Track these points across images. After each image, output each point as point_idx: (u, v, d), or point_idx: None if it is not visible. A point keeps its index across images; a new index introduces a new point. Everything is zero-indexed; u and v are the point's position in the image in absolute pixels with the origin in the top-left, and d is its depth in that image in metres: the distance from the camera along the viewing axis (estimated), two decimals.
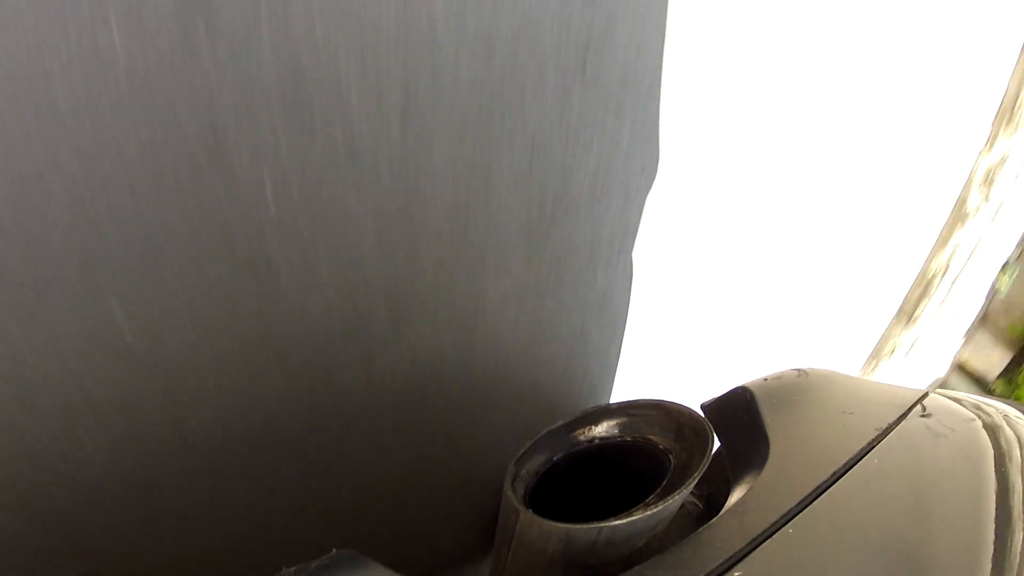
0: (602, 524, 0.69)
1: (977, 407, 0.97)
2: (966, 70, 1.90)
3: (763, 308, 1.81)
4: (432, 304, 0.97)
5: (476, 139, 0.86)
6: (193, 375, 0.79)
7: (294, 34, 0.66)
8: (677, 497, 0.72)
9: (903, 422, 0.88)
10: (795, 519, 0.68)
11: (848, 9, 1.33)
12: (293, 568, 0.57)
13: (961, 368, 3.21)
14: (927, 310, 2.87)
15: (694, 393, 1.38)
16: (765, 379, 0.98)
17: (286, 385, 0.88)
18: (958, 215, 2.56)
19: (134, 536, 0.85)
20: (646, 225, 1.21)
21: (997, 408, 0.98)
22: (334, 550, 0.60)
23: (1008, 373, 2.97)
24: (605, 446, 0.89)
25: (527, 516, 0.75)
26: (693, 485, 0.73)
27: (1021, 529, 0.71)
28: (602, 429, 0.91)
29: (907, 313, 2.86)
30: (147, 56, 0.59)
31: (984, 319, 3.11)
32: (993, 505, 0.73)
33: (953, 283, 2.80)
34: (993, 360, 3.07)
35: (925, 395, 0.98)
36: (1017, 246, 2.84)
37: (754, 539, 0.65)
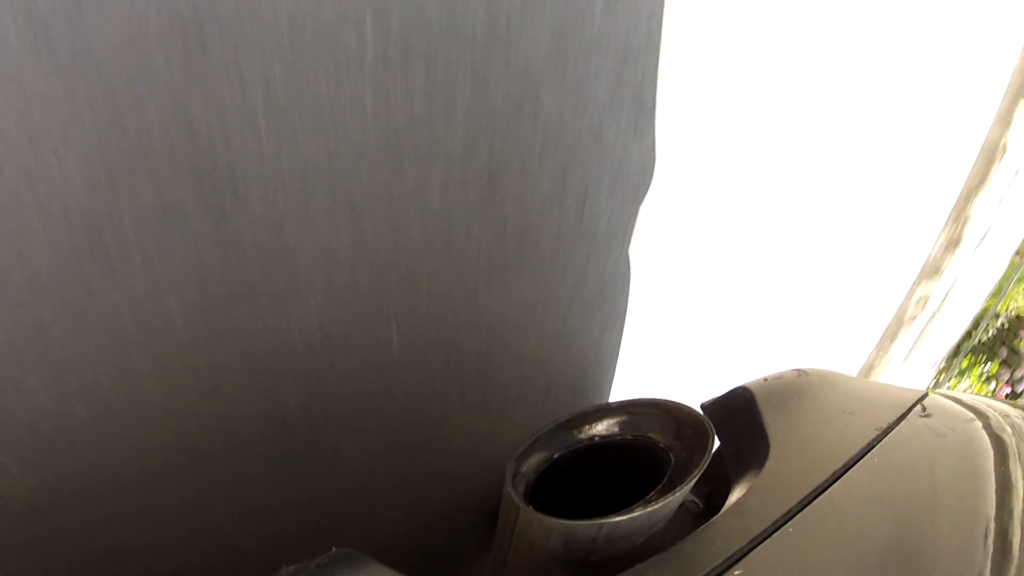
0: (603, 521, 0.69)
1: (977, 407, 0.98)
2: (967, 69, 1.90)
3: (763, 308, 1.82)
4: (432, 304, 0.97)
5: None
6: (193, 377, 0.79)
7: None
8: (678, 494, 0.72)
9: (903, 422, 0.88)
10: (795, 519, 0.68)
11: (847, 8, 1.33)
12: (293, 567, 0.57)
13: None
14: (927, 310, 2.87)
15: (694, 393, 1.38)
16: (765, 379, 0.99)
17: (284, 384, 0.88)
18: (959, 214, 2.56)
19: (132, 536, 0.85)
20: (646, 225, 1.21)
21: (997, 408, 0.98)
22: (334, 549, 0.59)
23: None
24: (605, 444, 0.89)
25: (527, 513, 0.75)
26: (693, 483, 0.73)
27: (1021, 529, 0.71)
28: (602, 427, 0.91)
29: (907, 312, 2.86)
30: None
31: None
32: (993, 505, 0.73)
33: (954, 281, 2.81)
34: None
35: (925, 395, 0.98)
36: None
37: (754, 539, 0.65)
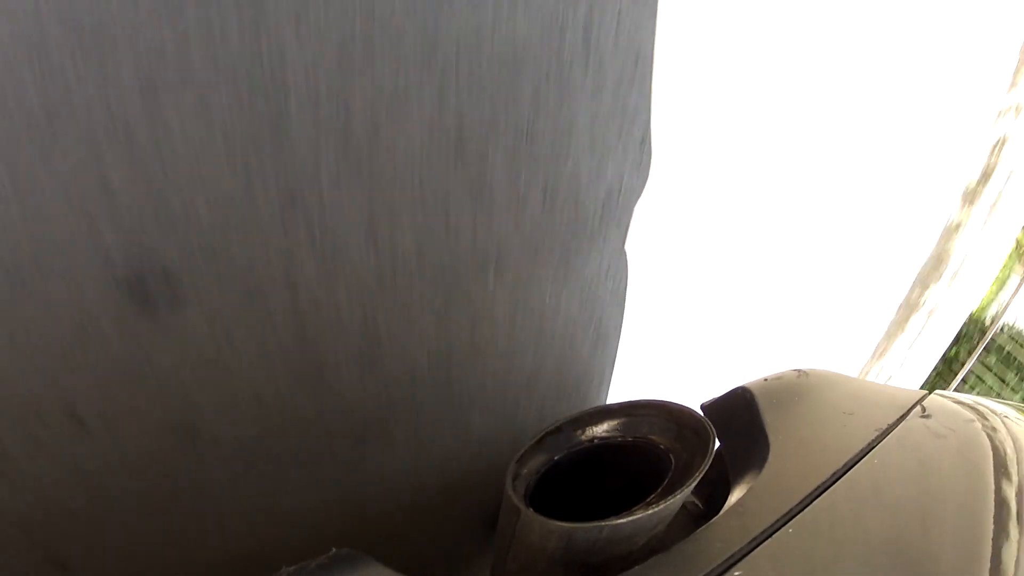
0: (603, 523, 0.69)
1: (977, 408, 0.98)
2: (968, 67, 1.90)
3: (763, 308, 1.82)
4: (431, 304, 0.97)
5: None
6: (197, 377, 0.79)
7: None
8: (678, 496, 0.72)
9: (903, 423, 0.88)
10: (795, 519, 0.68)
11: (846, 5, 1.33)
12: (293, 567, 0.57)
13: None
14: (928, 308, 2.87)
15: (694, 393, 1.38)
16: (765, 379, 0.99)
17: (284, 384, 0.88)
18: (961, 213, 2.56)
19: (132, 536, 0.85)
20: (647, 224, 1.21)
21: (997, 409, 0.98)
22: (334, 549, 0.59)
23: None
24: (606, 446, 0.89)
25: (528, 515, 0.75)
26: (694, 485, 0.73)
27: (1020, 530, 0.71)
28: (603, 429, 0.91)
29: (908, 312, 2.86)
30: None
31: None
32: (992, 506, 0.73)
33: (952, 279, 2.81)
34: None
35: (925, 396, 0.98)
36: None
37: (754, 539, 0.65)
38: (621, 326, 1.35)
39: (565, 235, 1.08)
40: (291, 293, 0.81)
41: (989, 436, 0.88)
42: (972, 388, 4.15)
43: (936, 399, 0.98)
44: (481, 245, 0.97)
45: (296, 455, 0.96)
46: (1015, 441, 0.88)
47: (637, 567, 0.62)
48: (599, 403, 1.38)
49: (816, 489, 0.73)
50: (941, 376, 3.92)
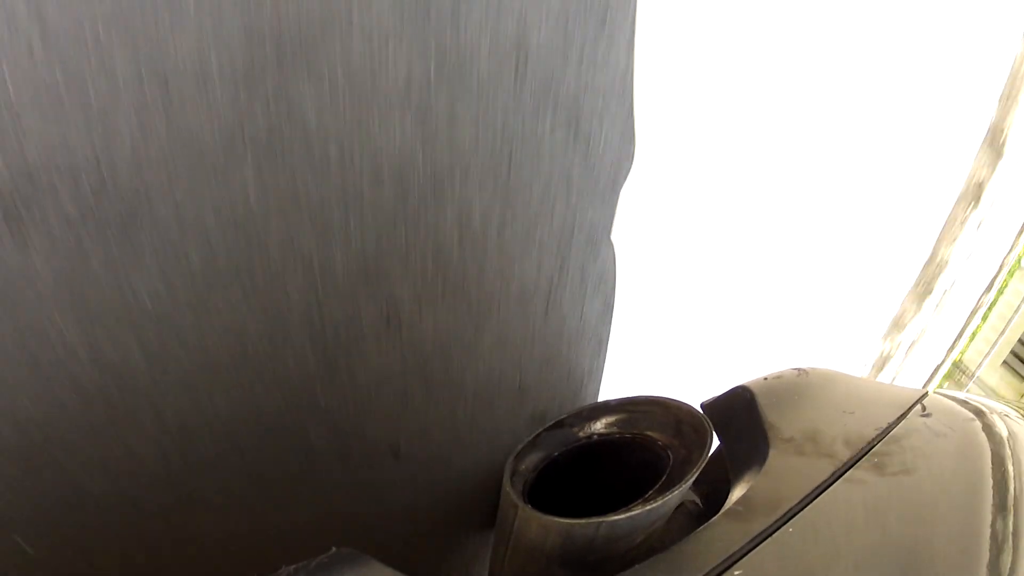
0: (601, 519, 0.69)
1: (977, 407, 0.98)
2: (970, 66, 1.90)
3: (763, 307, 1.81)
4: (431, 303, 0.97)
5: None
6: (190, 371, 0.79)
7: None
8: (676, 493, 0.72)
9: (903, 422, 0.88)
10: (795, 519, 0.68)
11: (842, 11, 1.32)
12: (293, 567, 0.56)
13: None
14: (930, 308, 2.87)
15: (694, 392, 1.38)
16: (765, 379, 0.98)
17: (284, 382, 0.88)
18: (963, 212, 2.56)
19: (131, 535, 0.85)
20: (647, 224, 1.21)
21: (997, 408, 0.98)
22: (334, 548, 0.59)
23: None
24: (604, 442, 0.89)
25: (526, 512, 0.75)
26: (692, 481, 0.73)
27: (1017, 529, 0.71)
28: (601, 425, 0.91)
29: (908, 312, 2.86)
30: None
31: None
32: (992, 505, 0.73)
33: (954, 282, 2.81)
34: None
35: (925, 395, 0.98)
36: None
37: (754, 539, 0.65)
38: (624, 324, 1.35)
39: (567, 233, 1.07)
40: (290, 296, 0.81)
41: (989, 435, 0.88)
42: None
43: (936, 398, 0.98)
44: (479, 244, 0.97)
45: (295, 450, 0.96)
46: (1014, 440, 0.88)
47: (637, 566, 0.62)
48: (599, 400, 1.38)
49: (816, 489, 0.73)
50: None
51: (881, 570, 0.66)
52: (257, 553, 1.00)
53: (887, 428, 0.85)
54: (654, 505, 0.71)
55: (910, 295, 2.79)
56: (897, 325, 2.90)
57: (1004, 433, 0.90)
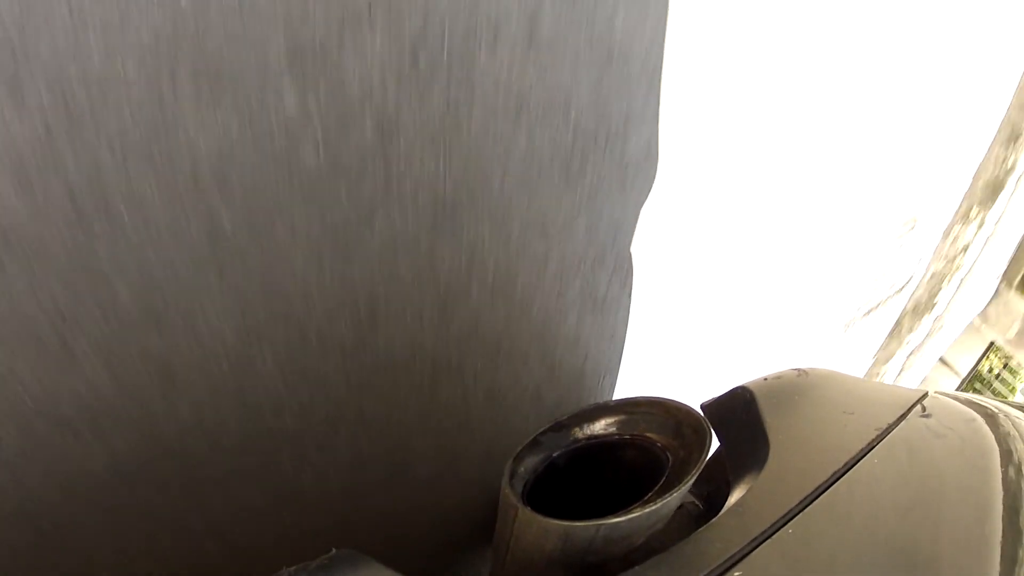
0: (600, 522, 0.69)
1: (977, 407, 0.97)
2: (971, 66, 1.90)
3: (763, 308, 1.81)
4: (432, 303, 0.97)
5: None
6: (192, 371, 0.79)
7: None
8: (675, 494, 0.71)
9: (903, 422, 0.87)
10: (795, 519, 0.68)
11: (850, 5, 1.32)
12: (293, 568, 0.57)
13: None
14: (931, 309, 2.87)
15: (694, 393, 1.37)
16: (765, 379, 0.98)
17: (284, 382, 0.88)
18: (966, 212, 2.55)
19: (130, 535, 0.85)
20: (647, 224, 1.21)
21: (997, 408, 0.98)
22: (334, 550, 0.59)
23: None
24: (603, 444, 0.89)
25: (525, 514, 0.75)
26: (691, 482, 0.73)
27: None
28: (600, 427, 0.91)
29: (910, 312, 2.85)
30: None
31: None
32: (996, 505, 0.73)
33: (960, 284, 2.80)
34: None
35: (925, 395, 0.98)
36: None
37: (754, 539, 0.65)
38: (625, 324, 1.35)
39: (565, 235, 1.07)
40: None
41: (989, 435, 0.88)
42: None
43: (936, 398, 0.98)
44: (484, 244, 0.97)
45: (296, 450, 0.96)
46: (1016, 440, 0.88)
47: (636, 567, 0.62)
48: (599, 400, 1.38)
49: (816, 489, 0.72)
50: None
51: (881, 571, 0.66)
52: (257, 554, 1.00)
53: (887, 428, 0.85)
54: (654, 507, 0.70)
55: (914, 295, 2.79)
56: (900, 325, 2.89)
57: (1006, 432, 0.89)
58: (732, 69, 1.17)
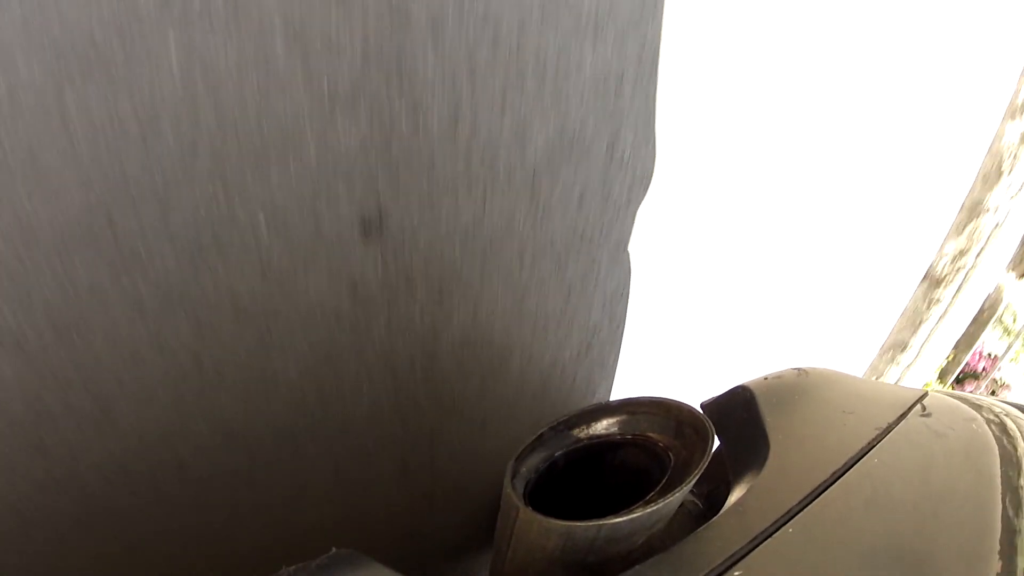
0: (602, 522, 0.69)
1: (977, 406, 0.97)
2: (973, 65, 1.90)
3: (763, 308, 1.81)
4: (433, 302, 0.97)
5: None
6: (192, 371, 0.79)
7: None
8: (677, 495, 0.72)
9: (903, 422, 0.88)
10: (795, 519, 0.68)
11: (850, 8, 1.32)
12: (293, 567, 0.56)
13: None
14: (932, 309, 2.86)
15: (694, 393, 1.37)
16: (765, 379, 0.98)
17: (284, 381, 0.88)
18: (968, 212, 2.55)
19: (130, 535, 0.85)
20: (647, 223, 1.21)
21: (997, 407, 0.98)
22: (333, 549, 0.59)
23: None
24: (605, 444, 0.89)
25: (527, 513, 0.75)
26: (693, 483, 0.73)
27: None
28: (602, 427, 0.91)
29: (912, 312, 2.85)
30: None
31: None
32: (995, 505, 0.73)
33: (961, 285, 2.80)
34: None
35: (925, 395, 0.98)
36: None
37: (754, 539, 0.65)
38: (625, 324, 1.35)
39: (565, 235, 1.07)
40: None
41: (989, 435, 0.88)
42: None
43: (936, 397, 0.98)
44: (484, 241, 0.97)
45: (296, 450, 0.96)
46: (1017, 439, 0.88)
47: (637, 567, 0.62)
48: (601, 400, 1.38)
49: (816, 489, 0.73)
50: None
51: (882, 571, 0.66)
52: (257, 554, 1.00)
53: (887, 428, 0.85)
54: (655, 507, 0.71)
55: (915, 295, 2.78)
56: (901, 326, 2.89)
57: (1006, 432, 0.90)
58: (735, 71, 1.17)
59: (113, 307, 0.69)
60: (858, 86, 1.50)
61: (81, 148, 0.59)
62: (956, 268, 2.69)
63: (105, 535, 0.83)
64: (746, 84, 1.21)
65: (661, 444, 0.83)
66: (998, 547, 0.67)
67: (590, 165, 1.02)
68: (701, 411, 0.84)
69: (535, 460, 0.89)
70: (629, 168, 1.09)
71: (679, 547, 0.65)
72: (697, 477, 0.73)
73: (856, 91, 1.51)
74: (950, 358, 3.66)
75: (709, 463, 0.75)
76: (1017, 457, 0.82)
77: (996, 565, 0.65)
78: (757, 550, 0.64)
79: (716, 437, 0.83)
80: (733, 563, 0.62)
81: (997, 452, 0.83)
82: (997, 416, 0.94)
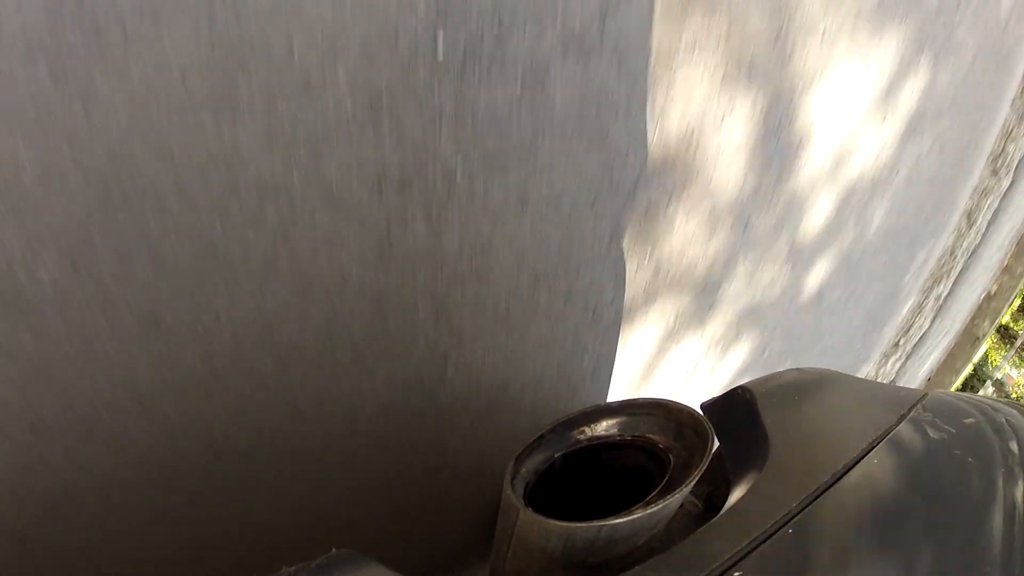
0: (602, 523, 0.69)
1: (977, 407, 0.98)
2: (976, 71, 1.90)
3: (763, 308, 1.81)
4: (432, 302, 0.97)
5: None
6: (192, 376, 0.79)
7: None
8: (677, 496, 0.72)
9: (903, 422, 0.87)
10: (795, 519, 0.68)
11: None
12: (293, 568, 0.56)
13: None
14: (933, 309, 2.86)
15: (694, 393, 1.38)
16: (765, 379, 0.98)
17: (285, 381, 0.88)
18: (969, 212, 2.55)
19: (130, 536, 0.85)
20: (647, 223, 1.21)
21: (998, 408, 0.98)
22: (333, 549, 0.59)
23: None
24: (605, 445, 0.89)
25: (527, 515, 0.75)
26: (693, 484, 0.73)
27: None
28: (602, 428, 0.91)
29: (911, 312, 2.85)
30: None
31: None
32: (995, 505, 0.73)
33: (956, 281, 2.80)
34: None
35: (925, 395, 0.98)
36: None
37: (754, 539, 0.65)
38: (624, 324, 1.35)
39: (568, 234, 1.08)
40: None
41: (990, 435, 0.88)
42: None
43: (937, 398, 0.98)
44: (482, 241, 0.97)
45: (296, 451, 0.96)
46: (1016, 440, 0.88)
47: (637, 567, 0.62)
48: (600, 402, 1.38)
49: (816, 489, 0.72)
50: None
51: (881, 571, 0.66)
52: (257, 554, 1.00)
53: (887, 428, 0.85)
54: (655, 508, 0.71)
55: (916, 295, 2.78)
56: (901, 326, 2.89)
57: (1006, 433, 0.90)
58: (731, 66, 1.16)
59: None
60: (862, 86, 1.50)
61: None
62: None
63: (103, 536, 0.83)
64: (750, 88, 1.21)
65: (661, 445, 0.83)
66: (998, 549, 0.67)
67: (591, 162, 1.02)
68: (701, 412, 0.84)
69: (535, 461, 0.89)
70: (631, 168, 1.10)
71: (679, 547, 0.65)
72: (697, 478, 0.73)
73: (859, 93, 1.51)
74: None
75: (709, 464, 0.75)
76: (1016, 457, 0.82)
77: (996, 566, 0.65)
78: (757, 551, 0.63)
79: (716, 438, 0.83)
80: (733, 564, 0.62)
81: (997, 452, 0.83)
82: (997, 416, 0.94)
